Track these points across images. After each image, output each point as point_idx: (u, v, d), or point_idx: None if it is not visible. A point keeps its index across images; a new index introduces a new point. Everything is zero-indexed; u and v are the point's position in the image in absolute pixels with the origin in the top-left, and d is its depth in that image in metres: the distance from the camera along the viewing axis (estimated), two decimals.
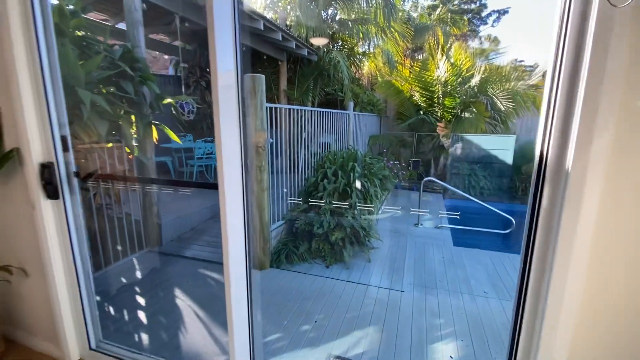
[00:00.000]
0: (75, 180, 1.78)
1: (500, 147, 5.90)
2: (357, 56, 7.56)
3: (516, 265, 3.37)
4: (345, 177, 4.00)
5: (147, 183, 3.32)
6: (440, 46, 6.64)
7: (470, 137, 6.07)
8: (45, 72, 1.59)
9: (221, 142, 1.26)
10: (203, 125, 6.19)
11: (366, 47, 7.73)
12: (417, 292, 2.82)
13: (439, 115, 7.05)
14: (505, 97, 5.94)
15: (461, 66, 6.73)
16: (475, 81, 6.60)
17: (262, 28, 4.25)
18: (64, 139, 1.72)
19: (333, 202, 3.70)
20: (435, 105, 7.14)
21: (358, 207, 3.89)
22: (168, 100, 3.26)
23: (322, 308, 2.52)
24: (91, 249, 1.91)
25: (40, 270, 1.77)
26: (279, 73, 6.83)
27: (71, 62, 2.42)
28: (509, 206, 5.38)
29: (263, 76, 2.88)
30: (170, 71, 7.46)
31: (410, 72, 7.36)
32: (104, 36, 3.11)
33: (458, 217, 4.82)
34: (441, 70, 6.73)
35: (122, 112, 3.08)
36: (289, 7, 6.34)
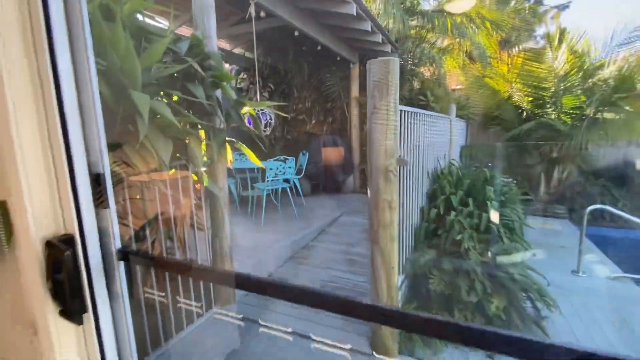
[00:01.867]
0: (120, 266, 0.83)
1: None
2: (438, 53, 6.37)
3: None
4: (478, 207, 2.80)
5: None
6: (559, 32, 5.24)
7: None
8: (59, 59, 0.67)
9: None
10: (271, 139, 5.40)
11: (449, 40, 6.52)
12: None
13: (553, 117, 5.56)
14: None
15: (585, 56, 5.25)
16: (608, 72, 5.06)
17: (354, 13, 3.31)
18: (98, 180, 0.79)
19: (475, 245, 2.51)
20: (547, 105, 5.66)
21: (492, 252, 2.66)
22: (246, 108, 2.37)
23: None
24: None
25: None
26: (349, 78, 5.87)
27: (124, 53, 1.58)
28: None
29: (397, 60, 1.84)
30: None
31: (508, 67, 5.99)
32: (167, 28, 2.35)
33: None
34: (559, 61, 5.29)
35: (187, 126, 2.24)
36: None
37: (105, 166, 0.79)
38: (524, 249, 2.94)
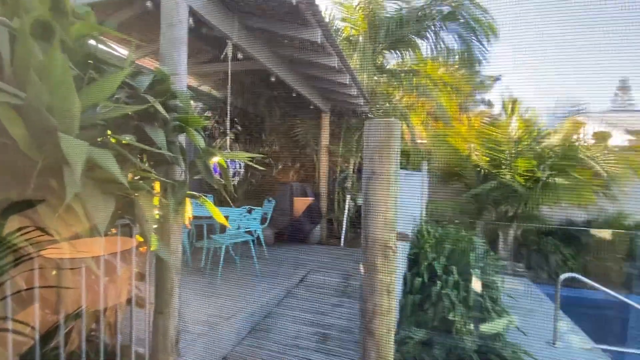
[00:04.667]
0: None
1: None
2: (402, 110, 6.66)
3: None
4: (462, 276, 2.62)
5: None
6: (512, 101, 5.79)
7: None
8: None
9: None
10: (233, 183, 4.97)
11: (413, 98, 6.90)
12: None
13: (508, 178, 5.91)
14: (611, 159, 4.86)
15: (532, 124, 5.81)
16: (556, 139, 5.59)
17: (335, 66, 3.25)
18: None
19: (466, 323, 2.25)
20: (503, 166, 6.03)
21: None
22: (216, 158, 2.00)
23: None
24: None
25: None
26: (320, 126, 5.81)
27: (58, 84, 1.19)
28: None
29: (399, 122, 1.66)
30: None
31: (467, 128, 6.41)
32: (127, 59, 1.96)
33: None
34: (512, 127, 5.76)
35: (137, 178, 1.80)
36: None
37: None
38: (508, 321, 2.76)
